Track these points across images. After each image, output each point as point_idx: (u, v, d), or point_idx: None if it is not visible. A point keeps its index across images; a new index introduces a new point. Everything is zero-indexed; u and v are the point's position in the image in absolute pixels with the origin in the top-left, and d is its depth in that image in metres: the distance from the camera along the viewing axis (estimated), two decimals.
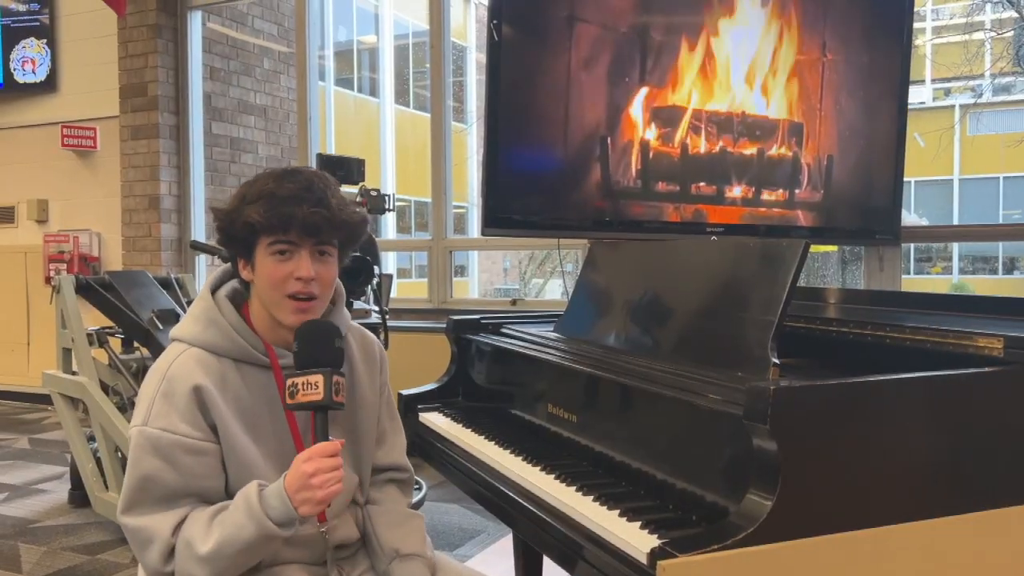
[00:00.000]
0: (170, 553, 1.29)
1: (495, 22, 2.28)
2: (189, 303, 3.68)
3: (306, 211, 1.31)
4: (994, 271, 17.99)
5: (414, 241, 10.34)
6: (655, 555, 1.09)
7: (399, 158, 11.50)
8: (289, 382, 1.33)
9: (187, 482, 1.31)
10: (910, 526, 1.16)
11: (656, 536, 1.18)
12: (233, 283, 1.45)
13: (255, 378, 1.39)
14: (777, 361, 1.33)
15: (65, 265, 5.96)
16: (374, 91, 12.70)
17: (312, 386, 1.31)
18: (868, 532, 1.13)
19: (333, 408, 1.34)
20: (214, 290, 1.45)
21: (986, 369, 1.28)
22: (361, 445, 1.51)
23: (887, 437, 1.17)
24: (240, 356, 1.38)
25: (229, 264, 1.47)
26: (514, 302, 4.86)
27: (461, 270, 10.62)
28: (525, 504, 1.46)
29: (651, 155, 2.57)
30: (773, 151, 2.82)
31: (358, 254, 2.58)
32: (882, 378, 1.20)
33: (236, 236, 1.36)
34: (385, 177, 10.20)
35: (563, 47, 2.40)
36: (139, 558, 1.34)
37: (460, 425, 1.92)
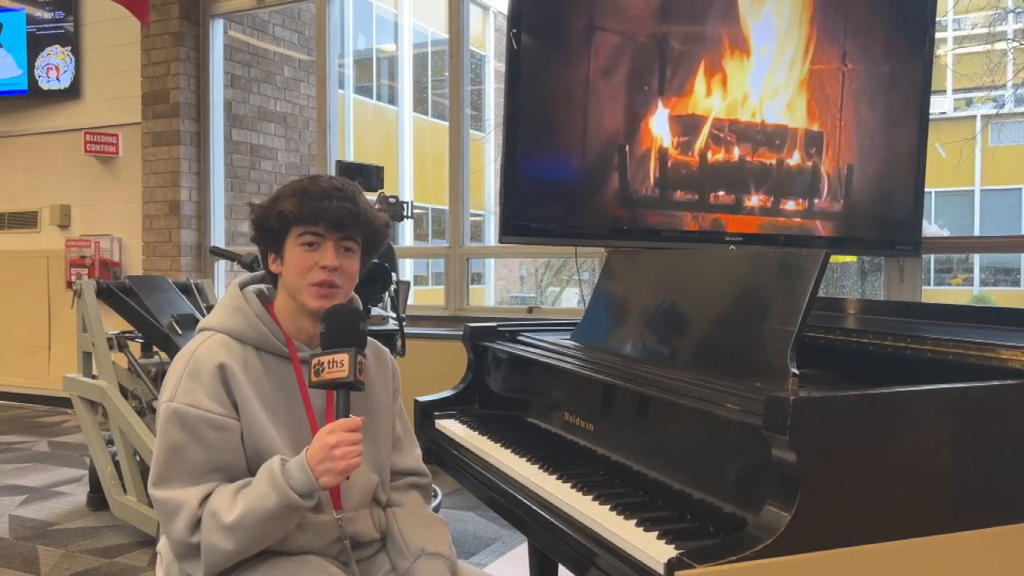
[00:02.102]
0: (196, 524, 1.35)
1: (514, 31, 2.29)
2: (208, 308, 3.71)
3: (335, 205, 1.42)
4: (1016, 282, 17.75)
5: (431, 248, 10.37)
6: (672, 565, 1.08)
7: (417, 166, 11.55)
8: (315, 361, 1.39)
9: (211, 457, 1.38)
10: (931, 540, 1.15)
11: (673, 546, 1.17)
12: (261, 285, 1.56)
13: (275, 367, 1.48)
14: (796, 371, 1.32)
15: (86, 270, 6.02)
16: (393, 99, 12.76)
17: (338, 364, 1.38)
18: (887, 545, 1.12)
19: (355, 388, 1.40)
20: (242, 288, 1.54)
21: (1009, 382, 1.26)
22: (379, 447, 1.57)
23: (908, 449, 1.16)
24: (262, 344, 1.47)
25: (258, 272, 1.58)
26: (530, 310, 4.86)
27: (478, 278, 10.62)
28: (541, 512, 1.46)
29: (669, 164, 2.56)
30: (793, 160, 2.80)
31: (376, 261, 2.60)
32: (902, 390, 1.19)
33: (269, 228, 1.46)
34: (403, 184, 10.22)
35: (582, 56, 2.40)
36: (166, 530, 1.40)
37: (476, 432, 1.92)
